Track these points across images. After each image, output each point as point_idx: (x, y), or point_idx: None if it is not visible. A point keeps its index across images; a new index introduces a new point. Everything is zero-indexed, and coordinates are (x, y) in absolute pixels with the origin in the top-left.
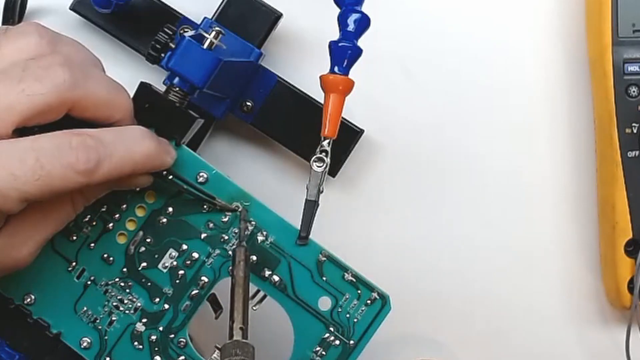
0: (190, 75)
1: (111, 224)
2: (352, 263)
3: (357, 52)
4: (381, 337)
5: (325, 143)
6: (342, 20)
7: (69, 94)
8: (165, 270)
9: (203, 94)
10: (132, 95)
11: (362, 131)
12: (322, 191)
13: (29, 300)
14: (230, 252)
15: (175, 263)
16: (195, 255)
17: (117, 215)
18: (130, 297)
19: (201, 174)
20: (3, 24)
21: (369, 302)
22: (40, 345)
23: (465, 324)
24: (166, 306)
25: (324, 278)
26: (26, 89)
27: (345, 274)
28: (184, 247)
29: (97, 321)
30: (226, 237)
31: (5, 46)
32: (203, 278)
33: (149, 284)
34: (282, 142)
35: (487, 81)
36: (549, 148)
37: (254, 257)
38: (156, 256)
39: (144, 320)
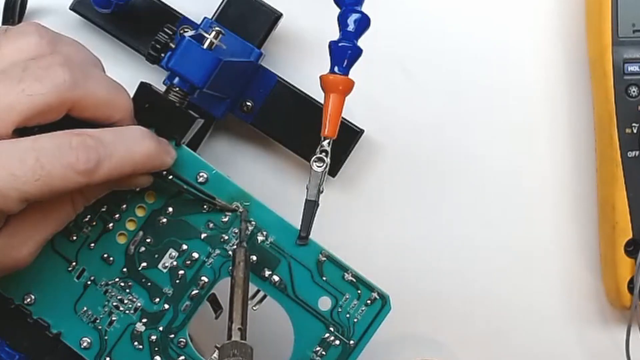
0: (190, 75)
1: (111, 224)
2: (352, 263)
3: (357, 52)
4: (381, 337)
5: (325, 143)
6: (342, 20)
7: (69, 94)
8: (165, 270)
9: (203, 94)
10: (132, 95)
11: (362, 131)
12: (322, 191)
13: (29, 300)
14: (230, 252)
15: (175, 263)
16: (195, 255)
17: (117, 215)
18: (130, 297)
19: (201, 174)
20: (3, 24)
21: (369, 302)
22: (40, 345)
23: (465, 324)
24: (166, 306)
25: (324, 278)
26: (26, 89)
27: (345, 274)
28: (184, 247)
29: (97, 321)
30: (226, 237)
31: (5, 46)
32: (203, 278)
33: (149, 284)
34: (282, 142)
35: (487, 81)
36: (549, 148)
37: (254, 257)
38: (156, 256)
39: (144, 320)
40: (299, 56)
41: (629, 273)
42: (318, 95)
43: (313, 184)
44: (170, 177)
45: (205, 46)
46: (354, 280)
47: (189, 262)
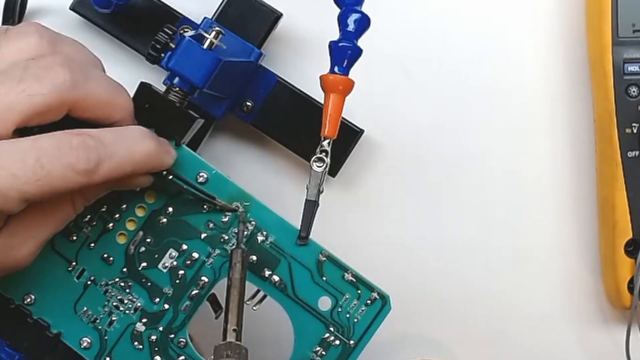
0: (190, 75)
1: (111, 224)
2: (352, 263)
3: (357, 52)
4: (381, 337)
5: (325, 143)
6: (342, 20)
7: (69, 94)
8: (165, 270)
9: (203, 94)
10: (132, 95)
11: (362, 131)
12: (322, 191)
13: (29, 300)
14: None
15: (175, 263)
16: (195, 255)
17: (117, 215)
18: (130, 297)
19: (201, 174)
20: (3, 24)
21: (369, 302)
22: (40, 345)
23: (465, 324)
24: (166, 306)
25: (324, 278)
26: (26, 89)
27: (345, 274)
28: (184, 247)
29: (97, 321)
30: (226, 237)
31: (5, 46)
32: (203, 278)
33: (149, 284)
34: (282, 142)
35: (487, 81)
36: (549, 148)
37: (254, 257)
38: (156, 256)
39: (144, 320)
40: (299, 56)
41: (629, 273)
42: (318, 95)
43: (313, 184)
44: (170, 177)
45: (205, 46)
46: (354, 280)
47: (189, 262)
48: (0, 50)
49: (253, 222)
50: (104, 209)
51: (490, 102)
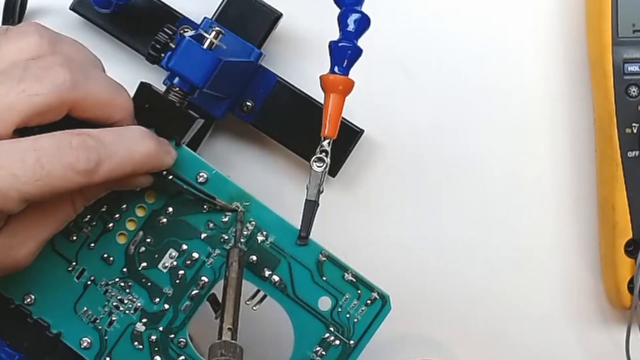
0: (190, 75)
1: (111, 224)
2: (352, 263)
3: (357, 52)
4: (381, 337)
5: (325, 143)
6: (342, 20)
7: (69, 94)
8: (165, 270)
9: (203, 94)
10: (132, 95)
11: (362, 131)
12: (322, 191)
13: (29, 300)
14: None
15: (175, 263)
16: (195, 255)
17: (117, 215)
18: (130, 297)
19: (201, 174)
20: (3, 24)
21: (369, 302)
22: (40, 345)
23: (465, 324)
24: (166, 306)
25: (324, 278)
26: (26, 89)
27: (345, 274)
28: (184, 247)
29: (97, 321)
30: (226, 237)
31: (5, 46)
32: (203, 278)
33: (149, 284)
34: (282, 142)
35: (487, 81)
36: (549, 148)
37: (254, 257)
38: (156, 256)
39: (144, 320)
40: (299, 56)
41: (629, 273)
42: (318, 95)
43: (313, 184)
44: (170, 177)
45: (205, 46)
46: (354, 280)
47: (189, 262)
48: (0, 50)
49: (253, 222)
50: (104, 209)
51: (490, 102)
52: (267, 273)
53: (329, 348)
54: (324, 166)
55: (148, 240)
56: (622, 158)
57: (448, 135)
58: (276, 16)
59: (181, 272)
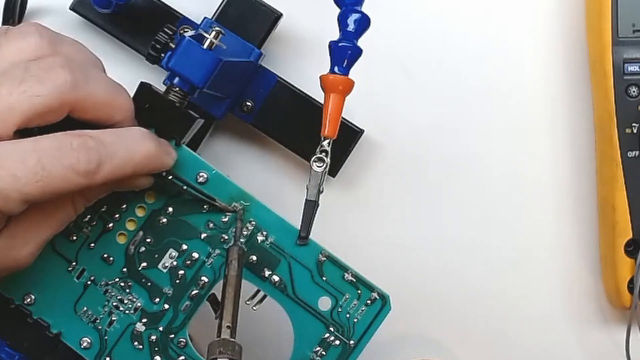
0: (190, 75)
1: (111, 224)
2: (352, 263)
3: (357, 52)
4: (381, 337)
5: (325, 143)
6: (342, 20)
7: (69, 95)
8: (165, 270)
9: (203, 94)
10: (132, 95)
11: (362, 131)
12: (322, 191)
13: (29, 300)
14: None
15: (175, 263)
16: (195, 255)
17: (117, 215)
18: (130, 297)
19: (201, 174)
20: (3, 24)
21: (369, 302)
22: (40, 345)
23: (465, 324)
24: (166, 306)
25: (324, 278)
26: (27, 90)
27: (345, 274)
28: (184, 247)
29: (97, 321)
30: (226, 237)
31: (5, 47)
32: (203, 278)
33: (149, 284)
34: (282, 142)
35: (487, 81)
36: (549, 148)
37: (254, 257)
38: (156, 256)
39: (144, 320)
40: (299, 56)
41: (629, 273)
42: (318, 95)
43: (313, 184)
44: (170, 177)
45: (205, 46)
46: (354, 280)
47: (189, 262)
48: (0, 51)
49: (253, 222)
50: (104, 209)
51: (490, 102)
52: (267, 273)
53: (329, 348)
54: (324, 166)
55: (148, 240)
56: (622, 158)
57: (448, 135)
58: (276, 16)
59: (181, 272)
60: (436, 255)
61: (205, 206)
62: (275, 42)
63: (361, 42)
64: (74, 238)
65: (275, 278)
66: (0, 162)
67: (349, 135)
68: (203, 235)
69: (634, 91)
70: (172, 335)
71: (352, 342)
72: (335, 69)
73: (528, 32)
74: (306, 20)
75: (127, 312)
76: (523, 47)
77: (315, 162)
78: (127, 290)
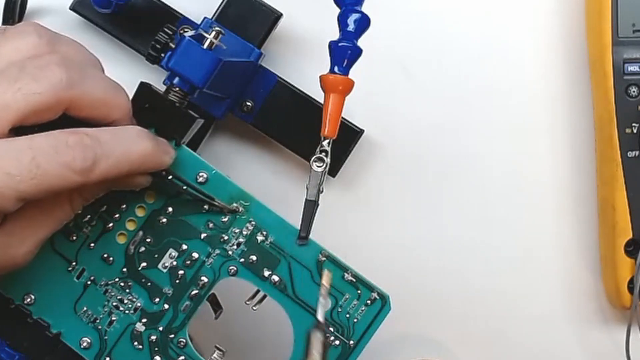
0: (190, 75)
1: (111, 224)
2: (352, 263)
3: (357, 52)
4: (381, 337)
5: (325, 143)
6: (342, 20)
7: (65, 93)
8: (165, 270)
9: (203, 94)
10: (132, 95)
11: (362, 131)
12: (322, 191)
13: (29, 300)
14: (230, 252)
15: (175, 263)
16: (195, 255)
17: (117, 215)
18: (130, 297)
19: (201, 174)
20: (3, 24)
21: (369, 302)
22: (40, 345)
23: (465, 324)
24: (166, 306)
25: None
26: (22, 88)
27: (345, 274)
28: (184, 247)
29: (97, 321)
30: (226, 237)
31: (4, 46)
32: (203, 278)
33: (149, 284)
34: (282, 142)
35: (487, 81)
36: (549, 148)
37: (254, 257)
38: (156, 256)
39: (144, 320)
40: (299, 56)
41: (629, 273)
42: (318, 95)
43: (313, 184)
44: (170, 177)
45: (205, 46)
46: (354, 280)
47: (188, 262)
48: None
49: (253, 222)
50: (103, 209)
51: (490, 102)
52: (266, 273)
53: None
54: (324, 166)
55: (148, 240)
56: (622, 158)
57: (448, 135)
58: (276, 16)
59: (181, 272)
60: (436, 255)
61: (205, 206)
62: (275, 42)
63: (361, 42)
64: (74, 238)
65: (275, 278)
66: None
67: (349, 135)
68: (203, 235)
69: (634, 91)
70: (172, 335)
71: (352, 342)
72: (335, 69)
73: (528, 32)
74: (306, 20)
75: (127, 312)
76: (523, 47)
77: (315, 162)
78: (127, 290)
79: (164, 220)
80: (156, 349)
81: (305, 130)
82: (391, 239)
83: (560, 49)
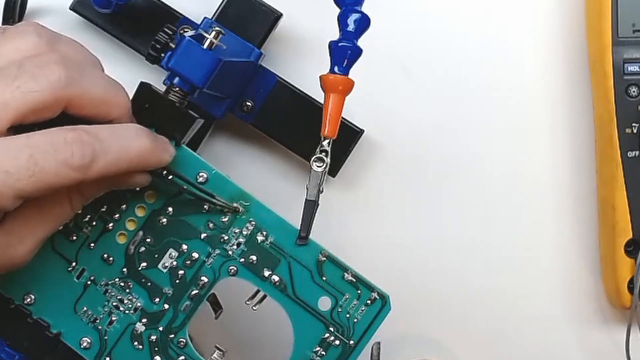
0: (190, 75)
1: (111, 224)
2: (352, 263)
3: (357, 52)
4: (381, 337)
5: (325, 143)
6: (342, 20)
7: (64, 91)
8: (165, 270)
9: (203, 94)
10: (132, 95)
11: (362, 131)
12: (322, 191)
13: (29, 300)
14: (230, 252)
15: (175, 263)
16: (195, 255)
17: (117, 215)
18: (130, 297)
19: (201, 174)
20: (3, 23)
21: (368, 302)
22: (40, 345)
23: (465, 324)
24: (166, 306)
25: (324, 278)
26: (21, 86)
27: (345, 274)
28: (184, 247)
29: (97, 321)
30: (226, 237)
31: (3, 45)
32: (203, 278)
33: (149, 284)
34: (282, 142)
35: (487, 81)
36: (549, 148)
37: (254, 257)
38: (156, 256)
39: (144, 320)
40: (299, 56)
41: (629, 273)
42: (318, 95)
43: (313, 184)
44: (170, 177)
45: (205, 46)
46: (354, 280)
47: (189, 262)
48: None
49: (253, 222)
50: (104, 209)
51: (490, 102)
52: (266, 273)
53: (328, 348)
54: (324, 166)
55: (148, 240)
56: (622, 158)
57: (448, 135)
58: (276, 16)
59: (181, 272)
60: (436, 255)
61: (205, 206)
62: (275, 42)
63: (361, 42)
64: (74, 238)
65: (275, 278)
66: None
67: (349, 135)
68: (203, 235)
69: (634, 91)
70: (172, 335)
71: (352, 342)
72: (335, 69)
73: (528, 32)
74: (306, 20)
75: (127, 312)
76: (523, 47)
77: (315, 162)
78: (127, 290)
79: (164, 220)
80: (156, 349)
81: (305, 130)
82: (391, 239)
83: (560, 49)
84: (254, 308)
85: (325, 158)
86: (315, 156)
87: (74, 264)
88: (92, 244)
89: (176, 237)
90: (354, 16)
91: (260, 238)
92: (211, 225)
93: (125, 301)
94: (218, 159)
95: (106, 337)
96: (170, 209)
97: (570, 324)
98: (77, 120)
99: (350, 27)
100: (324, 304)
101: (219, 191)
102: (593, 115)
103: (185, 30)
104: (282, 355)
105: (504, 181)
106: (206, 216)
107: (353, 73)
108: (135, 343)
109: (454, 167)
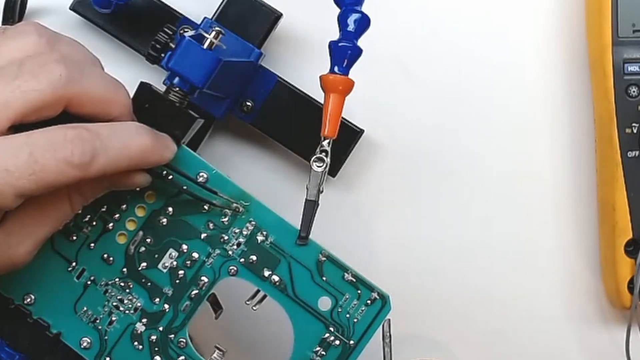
0: (190, 75)
1: (111, 224)
2: (352, 263)
3: (357, 52)
4: (381, 337)
5: (325, 143)
6: (342, 20)
7: (64, 90)
8: (165, 270)
9: (203, 94)
10: (132, 95)
11: (362, 131)
12: (322, 191)
13: (29, 300)
14: (230, 252)
15: (175, 263)
16: (195, 255)
17: (117, 215)
18: (130, 297)
19: (201, 174)
20: (3, 23)
21: (369, 302)
22: (40, 345)
23: (465, 324)
24: (166, 306)
25: (324, 278)
26: (21, 85)
27: (345, 274)
28: (184, 247)
29: (97, 321)
30: (226, 237)
31: (4, 45)
32: (203, 278)
33: (149, 284)
34: (282, 142)
35: (487, 81)
36: (549, 148)
37: (254, 257)
38: (156, 256)
39: (144, 320)
40: (299, 56)
41: (629, 273)
42: (318, 95)
43: (313, 184)
44: (170, 177)
45: (205, 46)
46: (354, 280)
47: (188, 262)
48: None
49: (253, 222)
50: (104, 209)
51: (490, 102)
52: (266, 273)
53: (329, 348)
54: (324, 166)
55: (148, 240)
56: (622, 158)
57: (448, 135)
58: (276, 16)
59: (181, 272)
60: (436, 255)
61: (205, 206)
62: (275, 42)
63: (361, 42)
64: (74, 238)
65: (275, 278)
66: None
67: (349, 135)
68: (203, 235)
69: (634, 91)
70: (172, 335)
71: (352, 342)
72: (335, 69)
73: (528, 32)
74: (306, 20)
75: (127, 312)
76: (523, 47)
77: (315, 162)
78: (127, 290)
79: (164, 220)
80: (156, 349)
81: (305, 130)
82: (391, 239)
83: (560, 49)
84: (254, 308)
85: (325, 158)
86: (315, 156)
87: (74, 264)
88: (92, 244)
89: (176, 237)
90: (354, 16)
91: (260, 238)
92: (211, 225)
93: (125, 301)
94: (218, 159)
95: (106, 337)
96: (170, 209)
97: (570, 324)
98: (77, 119)
99: (350, 27)
100: (324, 304)
101: (219, 191)
102: (593, 115)
103: (185, 30)
104: (282, 355)
105: (504, 181)
106: (206, 216)
107: (353, 73)
108: (135, 343)
109: (454, 167)
